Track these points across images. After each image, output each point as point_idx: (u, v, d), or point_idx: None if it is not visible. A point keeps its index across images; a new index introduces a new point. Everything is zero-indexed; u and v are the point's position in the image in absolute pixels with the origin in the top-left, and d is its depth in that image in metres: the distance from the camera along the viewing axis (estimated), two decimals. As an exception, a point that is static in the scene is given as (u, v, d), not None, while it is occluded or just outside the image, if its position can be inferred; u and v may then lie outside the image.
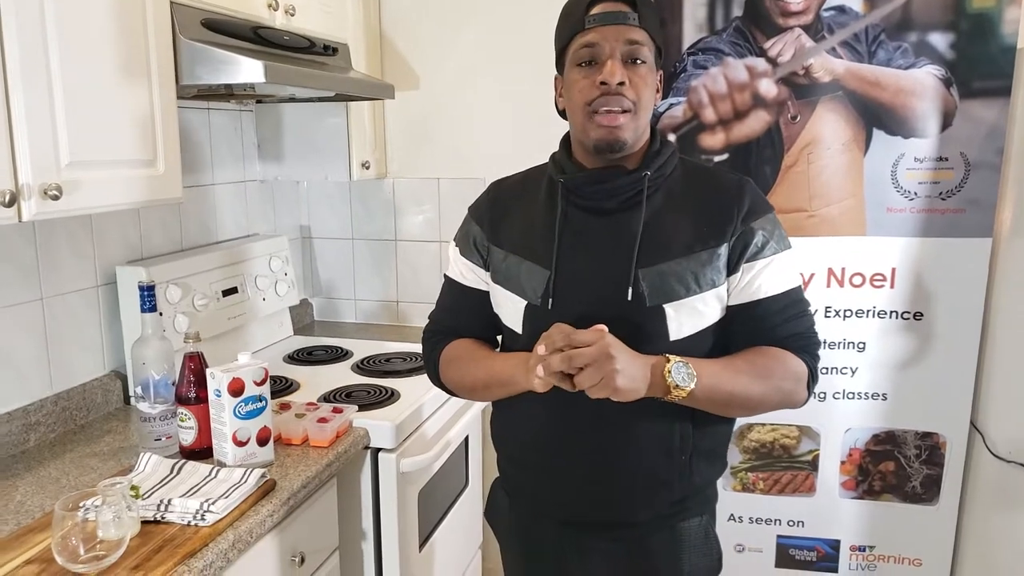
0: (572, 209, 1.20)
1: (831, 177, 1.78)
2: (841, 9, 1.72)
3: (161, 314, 1.81)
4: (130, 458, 1.49)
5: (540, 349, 1.06)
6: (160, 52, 1.47)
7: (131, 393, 1.54)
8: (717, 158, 1.81)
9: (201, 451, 1.49)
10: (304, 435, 1.60)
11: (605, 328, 1.05)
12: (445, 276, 1.37)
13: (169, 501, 1.26)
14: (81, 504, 1.13)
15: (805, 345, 1.19)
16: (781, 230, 1.20)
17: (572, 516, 1.24)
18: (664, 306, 1.13)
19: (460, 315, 1.34)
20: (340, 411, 1.67)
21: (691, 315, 1.14)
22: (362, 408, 1.76)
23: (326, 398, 1.85)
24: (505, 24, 2.35)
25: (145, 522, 1.23)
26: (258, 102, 2.30)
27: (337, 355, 2.23)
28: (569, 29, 1.15)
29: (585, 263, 1.17)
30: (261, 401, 1.46)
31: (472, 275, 1.31)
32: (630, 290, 1.12)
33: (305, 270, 2.68)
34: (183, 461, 1.43)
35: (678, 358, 1.08)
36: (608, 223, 1.17)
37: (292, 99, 2.18)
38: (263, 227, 2.45)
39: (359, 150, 2.32)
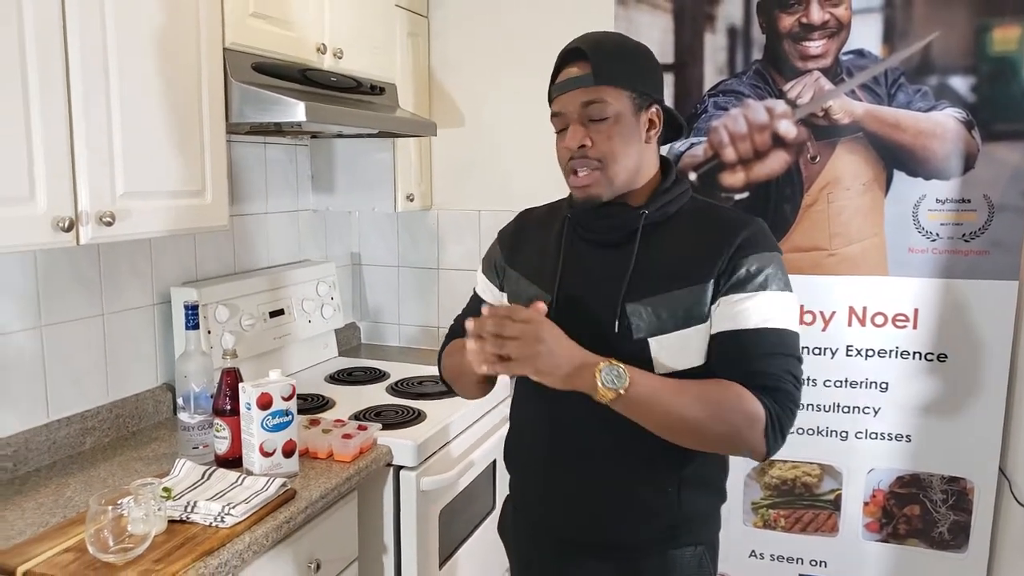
0: (577, 240, 1.27)
1: (852, 217, 1.80)
2: (860, 53, 1.75)
3: (209, 332, 1.97)
4: (171, 463, 1.62)
5: (469, 324, 1.10)
6: (212, 94, 1.63)
7: (176, 403, 1.67)
8: (737, 196, 1.85)
9: (234, 460, 1.61)
10: (329, 449, 1.70)
11: (544, 308, 1.09)
12: (473, 290, 1.48)
13: (195, 503, 1.38)
14: (119, 501, 1.26)
15: (769, 388, 1.12)
16: (778, 271, 1.17)
17: (565, 535, 1.29)
18: (648, 339, 1.17)
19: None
20: (365, 428, 1.77)
21: (677, 351, 1.17)
22: (387, 427, 1.86)
23: (356, 416, 1.96)
24: (548, 64, 2.45)
25: (172, 521, 1.35)
26: (312, 137, 2.46)
27: (375, 376, 2.35)
28: (549, 98, 1.25)
29: (582, 292, 1.23)
30: (288, 415, 1.58)
31: (490, 293, 1.42)
32: (617, 323, 1.18)
33: (354, 295, 2.82)
34: (214, 468, 1.55)
35: (618, 363, 1.08)
36: (606, 256, 1.24)
37: (340, 135, 2.33)
38: (314, 254, 2.60)
39: (404, 183, 2.45)
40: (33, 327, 1.63)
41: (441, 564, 1.95)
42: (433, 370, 2.36)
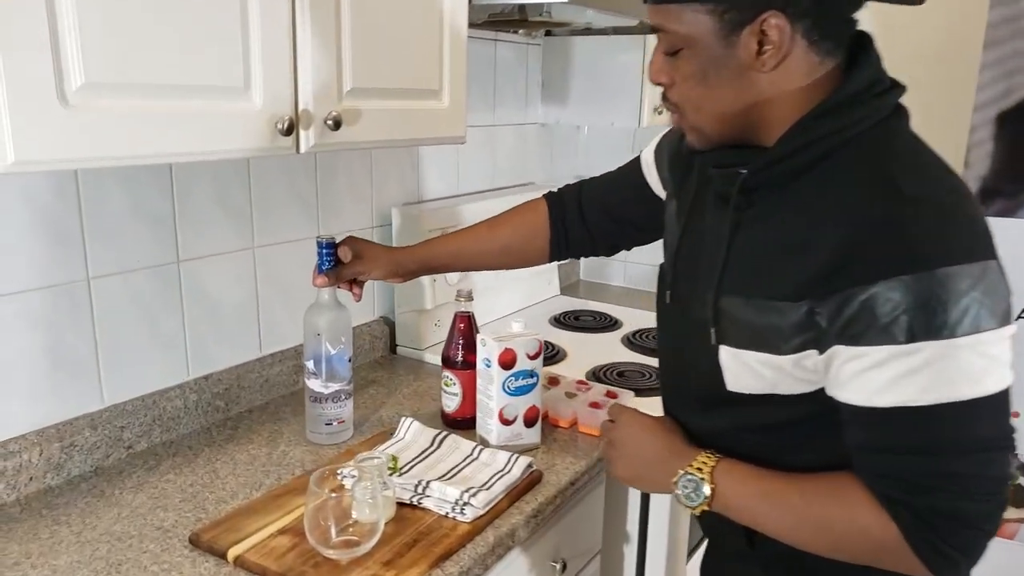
0: (706, 192, 0.92)
1: None
2: None
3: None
4: (386, 411, 1.37)
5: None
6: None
7: (305, 367, 1.31)
8: None
9: (463, 421, 1.34)
10: (573, 418, 1.38)
11: (631, 408, 1.00)
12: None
13: (428, 484, 1.10)
14: (340, 471, 1.01)
15: (898, 500, 0.75)
16: (928, 306, 0.68)
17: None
18: (721, 347, 0.85)
19: (614, 183, 1.27)
20: (614, 396, 1.44)
21: (746, 371, 0.83)
22: (638, 394, 1.51)
23: (596, 374, 1.63)
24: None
25: (401, 504, 1.08)
26: (547, 34, 2.09)
27: (605, 324, 2.00)
28: None
29: (692, 268, 0.91)
30: (532, 377, 1.26)
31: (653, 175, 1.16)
32: (711, 321, 0.86)
33: (576, 224, 2.47)
34: (445, 433, 1.27)
35: (699, 465, 0.87)
36: (717, 222, 0.88)
37: (587, 30, 1.94)
38: (539, 175, 2.27)
39: (653, 92, 2.03)
40: (246, 247, 1.42)
41: (689, 555, 1.62)
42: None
